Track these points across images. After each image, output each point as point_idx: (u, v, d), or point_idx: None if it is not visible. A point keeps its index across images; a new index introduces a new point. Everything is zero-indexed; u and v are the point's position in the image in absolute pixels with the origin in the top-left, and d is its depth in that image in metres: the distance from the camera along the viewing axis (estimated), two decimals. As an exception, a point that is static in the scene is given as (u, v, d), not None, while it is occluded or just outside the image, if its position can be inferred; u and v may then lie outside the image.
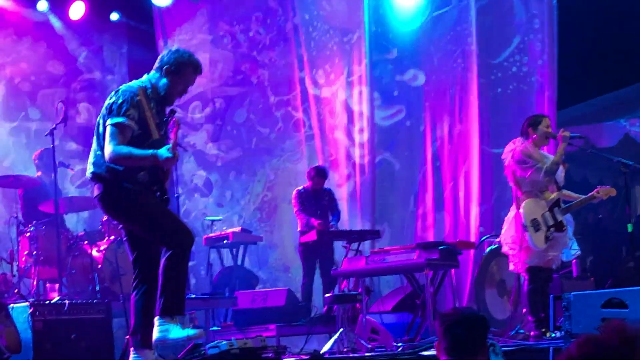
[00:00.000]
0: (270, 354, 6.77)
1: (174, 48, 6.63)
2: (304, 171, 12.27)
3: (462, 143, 12.06)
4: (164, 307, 6.16)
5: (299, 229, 11.43)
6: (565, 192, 8.67)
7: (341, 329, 8.66)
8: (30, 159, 11.50)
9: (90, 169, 6.34)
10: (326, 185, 11.64)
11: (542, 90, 11.54)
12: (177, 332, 6.14)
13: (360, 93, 12.70)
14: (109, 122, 6.19)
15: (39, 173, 11.00)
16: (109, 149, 6.15)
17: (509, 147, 8.59)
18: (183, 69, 6.53)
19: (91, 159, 6.34)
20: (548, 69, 11.50)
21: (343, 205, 12.45)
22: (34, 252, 9.99)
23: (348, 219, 12.45)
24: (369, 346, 8.59)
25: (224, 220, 13.27)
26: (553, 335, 7.77)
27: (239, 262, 12.53)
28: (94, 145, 6.36)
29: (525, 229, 8.28)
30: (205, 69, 13.70)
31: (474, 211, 11.72)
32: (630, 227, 8.30)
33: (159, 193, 6.40)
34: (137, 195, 6.29)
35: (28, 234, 10.13)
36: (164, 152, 6.15)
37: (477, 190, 11.76)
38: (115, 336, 8.81)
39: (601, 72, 12.54)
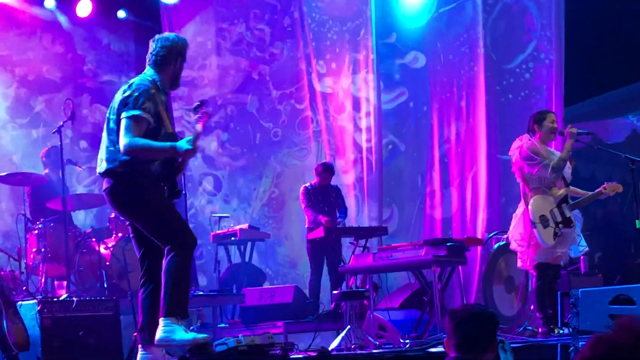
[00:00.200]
0: (278, 351, 6.77)
1: (159, 42, 6.55)
2: (311, 167, 12.29)
3: (470, 144, 12.03)
4: (168, 308, 6.15)
5: (306, 226, 11.43)
6: (572, 188, 8.66)
7: (349, 326, 8.66)
8: (38, 156, 11.51)
9: (102, 165, 6.32)
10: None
11: (551, 98, 11.49)
12: (182, 334, 6.13)
13: (364, 79, 12.76)
14: (124, 114, 6.18)
15: (47, 170, 11.02)
16: (124, 140, 6.14)
17: (516, 144, 8.59)
18: (171, 58, 6.54)
19: (103, 155, 6.33)
20: (555, 65, 11.48)
21: (349, 191, 12.54)
22: (42, 250, 10.01)
23: (355, 206, 12.50)
24: (377, 343, 8.59)
25: (232, 217, 13.28)
26: (561, 331, 7.77)
27: (247, 259, 12.53)
28: (105, 142, 6.34)
29: (533, 226, 8.27)
30: (214, 73, 13.86)
31: (481, 215, 11.70)
32: (638, 224, 8.27)
33: (167, 188, 6.41)
34: (146, 190, 6.30)
35: (36, 231, 10.15)
36: (183, 144, 6.21)
37: (485, 196, 11.73)
38: (123, 333, 8.81)
39: (609, 69, 12.51)
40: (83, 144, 13.37)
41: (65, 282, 9.84)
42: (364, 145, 12.71)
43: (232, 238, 12.23)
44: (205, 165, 13.99)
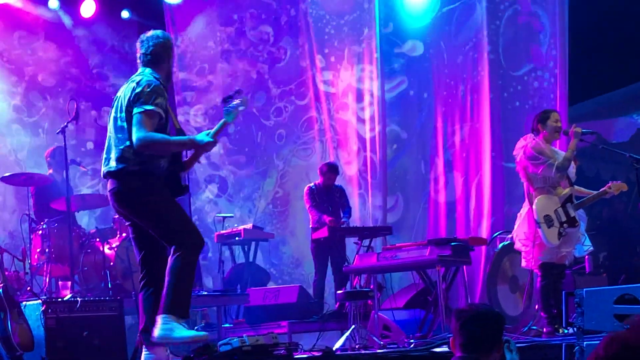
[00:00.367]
0: (282, 351, 6.76)
1: (150, 41, 6.56)
2: (315, 167, 12.29)
3: (474, 150, 12.01)
4: (170, 306, 6.13)
5: (310, 226, 11.43)
6: (577, 187, 8.65)
7: (353, 326, 8.66)
8: (43, 155, 11.52)
9: (111, 164, 6.27)
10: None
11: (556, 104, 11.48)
12: (181, 331, 6.13)
13: (364, 70, 12.85)
14: (136, 110, 6.19)
15: (51, 170, 11.02)
16: (139, 134, 6.13)
17: (520, 143, 8.58)
18: (164, 55, 6.59)
19: (113, 154, 6.29)
20: (559, 64, 11.45)
21: (352, 183, 12.58)
22: (46, 250, 10.02)
23: (358, 197, 12.61)
24: (381, 343, 8.58)
25: (235, 217, 13.28)
26: (566, 331, 7.76)
27: (251, 259, 12.53)
28: (114, 141, 6.31)
29: (538, 225, 8.26)
30: (219, 75, 13.89)
31: (485, 224, 11.68)
32: (643, 223, 8.27)
33: (171, 185, 6.41)
34: (156, 189, 6.30)
35: (40, 232, 10.15)
36: (203, 136, 6.29)
37: (489, 203, 11.72)
38: (128, 333, 8.81)
39: (613, 68, 12.49)
40: (90, 145, 13.39)
41: (69, 283, 9.84)
42: (368, 134, 12.73)
43: (236, 238, 12.22)
44: (208, 166, 13.98)
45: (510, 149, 9.06)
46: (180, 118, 13.69)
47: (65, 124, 9.69)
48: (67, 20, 13.48)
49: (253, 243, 12.52)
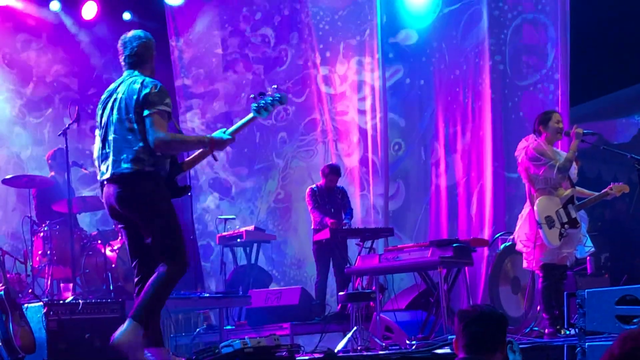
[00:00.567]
0: (284, 353, 6.77)
1: (134, 42, 6.56)
2: (317, 168, 12.31)
3: (476, 160, 12.01)
4: (141, 315, 6.12)
5: (312, 227, 11.44)
6: (578, 189, 8.65)
7: (355, 327, 8.66)
8: (46, 156, 11.52)
9: (126, 165, 6.21)
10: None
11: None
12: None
13: (360, 62, 12.95)
14: (151, 111, 6.19)
15: (52, 173, 11.02)
16: (158, 135, 6.14)
17: (522, 144, 8.57)
18: (148, 55, 6.61)
19: (127, 155, 6.22)
20: (561, 65, 11.43)
21: (353, 174, 12.71)
22: (48, 252, 10.02)
23: (359, 188, 12.71)
24: (383, 344, 8.59)
25: (237, 219, 13.28)
26: (567, 332, 7.76)
27: (253, 261, 12.53)
28: (122, 142, 6.25)
29: (539, 226, 8.26)
30: (221, 80, 13.92)
31: (486, 233, 11.68)
32: (645, 224, 8.27)
33: (171, 187, 6.41)
34: (164, 192, 6.30)
35: (42, 234, 10.16)
36: (220, 134, 6.35)
37: (490, 212, 11.72)
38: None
39: (615, 68, 12.48)
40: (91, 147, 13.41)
41: (71, 285, 9.85)
42: (369, 123, 12.78)
43: (238, 240, 12.22)
44: (209, 167, 13.99)
45: (513, 159, 9.08)
46: (183, 126, 13.75)
47: (67, 126, 9.69)
48: (68, 23, 13.49)
49: (255, 245, 12.52)
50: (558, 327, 8.11)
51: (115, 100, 6.38)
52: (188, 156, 6.90)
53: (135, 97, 6.26)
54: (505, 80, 11.86)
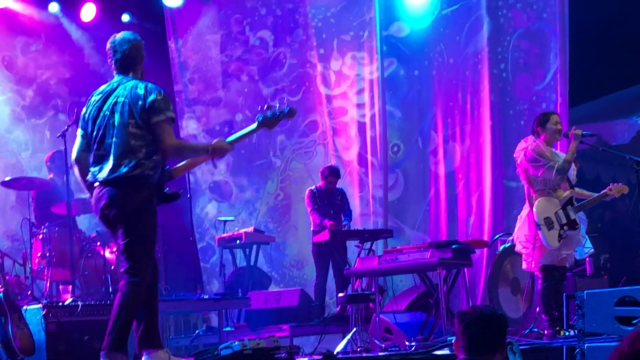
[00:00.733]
0: (283, 355, 6.77)
1: (124, 45, 6.49)
2: (316, 170, 12.32)
3: (475, 166, 12.02)
4: (118, 343, 6.11)
5: (312, 229, 11.44)
6: (577, 190, 8.64)
7: (354, 329, 8.66)
8: (46, 157, 11.52)
9: (129, 169, 6.17)
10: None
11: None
12: None
13: (354, 57, 13.05)
14: (161, 117, 6.21)
15: (51, 175, 11.02)
16: (172, 142, 6.24)
17: (521, 145, 8.57)
18: (139, 57, 6.57)
19: (130, 160, 6.19)
20: (560, 66, 11.44)
21: (352, 168, 12.78)
22: (47, 254, 10.01)
23: (358, 183, 12.77)
24: (383, 345, 8.59)
25: (237, 221, 13.28)
26: (567, 333, 7.77)
27: (252, 263, 12.53)
28: (124, 146, 6.21)
29: (538, 228, 8.26)
30: (220, 82, 13.95)
31: (485, 234, 11.67)
32: (644, 224, 8.28)
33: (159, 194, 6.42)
34: (154, 205, 6.30)
35: (41, 236, 10.15)
36: (222, 143, 6.40)
37: (489, 219, 11.72)
38: (129, 337, 8.80)
39: (613, 69, 12.49)
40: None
41: (70, 287, 9.84)
42: (368, 115, 12.84)
43: (237, 241, 12.23)
44: (208, 170, 13.99)
45: (512, 167, 9.09)
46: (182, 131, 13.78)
47: (66, 127, 9.68)
48: (67, 24, 13.49)
49: (254, 246, 12.53)
50: (557, 328, 8.11)
51: (115, 103, 6.32)
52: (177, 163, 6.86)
53: (140, 102, 6.23)
54: (507, 88, 11.87)
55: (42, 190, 10.70)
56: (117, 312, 6.15)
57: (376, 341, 8.66)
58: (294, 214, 13.47)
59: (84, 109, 6.57)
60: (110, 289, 9.95)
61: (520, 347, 5.18)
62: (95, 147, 6.36)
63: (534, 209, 8.32)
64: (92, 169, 6.36)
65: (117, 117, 6.28)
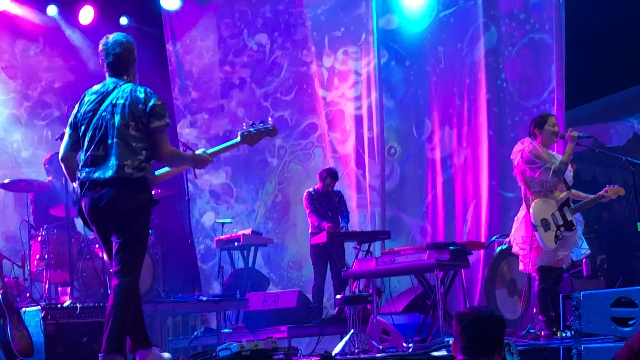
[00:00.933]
0: (281, 356, 6.79)
1: (117, 48, 6.47)
2: (314, 171, 12.33)
3: (472, 174, 12.05)
4: (115, 344, 6.12)
5: (310, 230, 11.46)
6: (574, 191, 8.67)
7: (352, 330, 8.68)
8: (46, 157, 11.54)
9: (129, 171, 6.17)
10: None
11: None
12: None
13: (345, 52, 13.13)
14: (160, 123, 6.24)
15: (50, 177, 11.03)
16: (169, 149, 6.31)
17: (518, 147, 8.60)
18: (132, 59, 6.58)
19: (132, 162, 6.19)
20: (557, 68, 11.45)
21: (346, 162, 12.90)
22: (46, 256, 10.02)
23: (355, 176, 12.88)
24: (380, 347, 8.61)
25: (235, 222, 13.29)
26: (563, 334, 7.78)
27: (250, 264, 12.54)
28: (127, 148, 6.21)
29: (535, 229, 8.28)
30: (219, 85, 13.98)
31: (482, 235, 11.70)
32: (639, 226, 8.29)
33: None
34: (150, 207, 6.34)
35: (39, 238, 10.16)
36: (205, 154, 6.55)
37: (485, 228, 11.75)
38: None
39: (610, 71, 12.49)
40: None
41: (68, 289, 9.85)
42: (365, 107, 12.90)
43: (236, 243, 12.25)
44: (206, 172, 13.98)
45: (509, 177, 9.11)
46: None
47: (64, 130, 9.69)
48: (66, 27, 13.51)
49: (252, 248, 12.54)
50: (554, 329, 8.13)
51: (115, 105, 6.30)
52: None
53: (141, 106, 6.24)
54: (507, 98, 11.89)
55: (40, 192, 10.71)
56: (113, 313, 6.16)
57: (374, 342, 8.69)
58: (292, 216, 13.48)
59: (76, 108, 6.54)
60: (109, 291, 9.95)
61: (518, 348, 5.20)
62: (92, 147, 6.31)
63: (531, 210, 8.35)
64: (85, 169, 6.30)
65: (117, 118, 6.26)
